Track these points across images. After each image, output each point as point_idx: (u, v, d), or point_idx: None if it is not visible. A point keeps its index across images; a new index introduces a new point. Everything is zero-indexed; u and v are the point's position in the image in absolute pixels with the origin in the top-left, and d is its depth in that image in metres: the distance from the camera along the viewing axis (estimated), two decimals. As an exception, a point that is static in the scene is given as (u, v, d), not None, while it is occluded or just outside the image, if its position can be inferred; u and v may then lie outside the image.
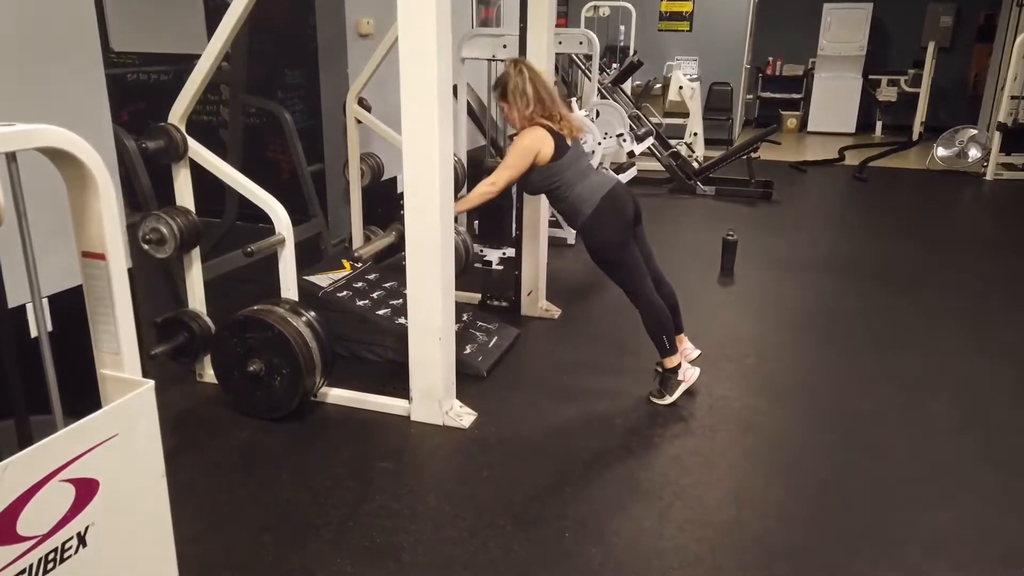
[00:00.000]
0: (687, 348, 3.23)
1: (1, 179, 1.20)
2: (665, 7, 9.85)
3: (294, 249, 2.91)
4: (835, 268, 4.97)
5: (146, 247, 2.88)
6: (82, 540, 1.25)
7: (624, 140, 4.82)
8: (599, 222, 2.93)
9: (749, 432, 2.91)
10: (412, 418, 2.93)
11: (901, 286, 4.65)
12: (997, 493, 2.54)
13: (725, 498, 2.49)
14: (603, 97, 6.40)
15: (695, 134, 7.95)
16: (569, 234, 5.20)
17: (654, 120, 7.38)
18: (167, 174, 2.97)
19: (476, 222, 4.90)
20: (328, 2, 4.35)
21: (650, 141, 5.45)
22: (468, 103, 4.76)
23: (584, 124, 4.58)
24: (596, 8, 8.02)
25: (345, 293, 3.48)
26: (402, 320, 3.21)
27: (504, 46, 4.48)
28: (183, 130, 2.89)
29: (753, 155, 7.01)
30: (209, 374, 3.12)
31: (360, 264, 3.76)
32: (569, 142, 3.00)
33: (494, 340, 3.53)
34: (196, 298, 3.09)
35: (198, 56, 2.82)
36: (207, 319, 3.09)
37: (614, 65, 7.60)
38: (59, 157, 1.22)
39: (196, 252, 3.03)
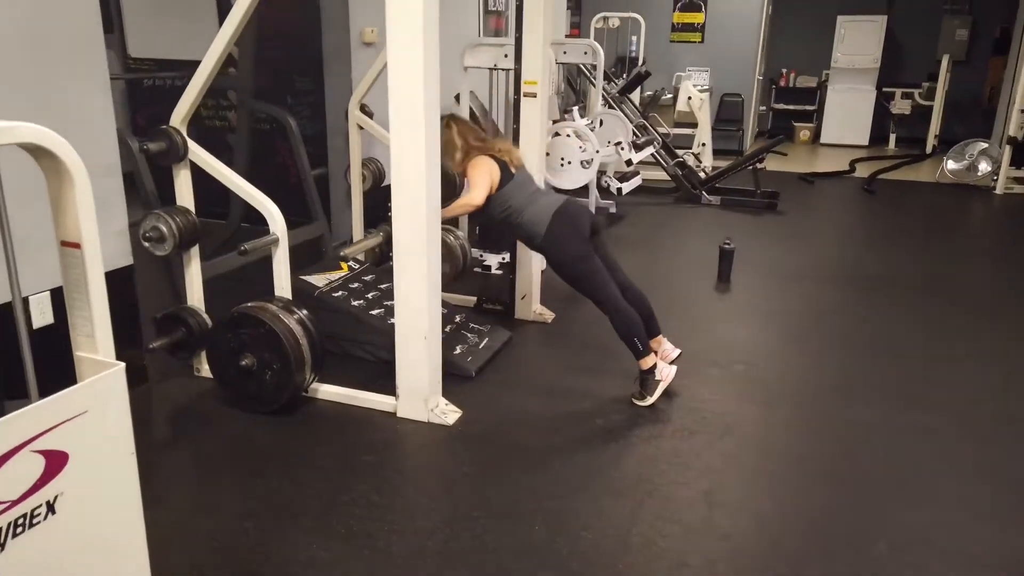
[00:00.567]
0: (666, 349, 3.30)
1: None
2: (677, 18, 9.92)
3: (291, 248, 3.02)
4: (834, 278, 4.99)
5: (146, 244, 3.00)
6: (51, 508, 1.34)
7: (622, 149, 4.90)
8: (554, 239, 3.12)
9: (727, 436, 2.96)
10: (398, 414, 3.01)
11: (900, 297, 4.67)
12: (971, 500, 2.57)
13: (696, 498, 2.55)
14: (610, 106, 6.49)
15: (703, 144, 7.99)
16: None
17: (661, 130, 7.45)
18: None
19: (477, 228, 4.99)
20: (334, 11, 4.48)
21: (650, 150, 5.52)
22: (471, 109, 4.85)
23: (584, 133, 4.67)
24: (606, 19, 8.11)
25: (340, 293, 3.58)
26: (394, 320, 3.29)
27: (505, 55, 4.58)
28: (184, 133, 3.00)
29: (759, 166, 7.05)
30: (206, 369, 3.22)
31: (359, 265, 3.86)
32: (513, 170, 3.20)
33: (485, 342, 3.61)
34: (195, 295, 3.20)
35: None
36: (205, 316, 3.20)
37: (623, 75, 7.69)
38: (38, 153, 1.32)
39: (195, 250, 3.14)
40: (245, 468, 2.69)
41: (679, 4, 9.89)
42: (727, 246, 4.82)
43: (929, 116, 10.21)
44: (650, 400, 3.11)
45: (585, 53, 5.57)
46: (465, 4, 5.82)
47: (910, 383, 3.46)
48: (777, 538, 2.37)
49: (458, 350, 3.46)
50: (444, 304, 3.79)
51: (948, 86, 10.07)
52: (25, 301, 2.62)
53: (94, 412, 1.39)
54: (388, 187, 2.86)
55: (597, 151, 4.44)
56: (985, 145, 8.03)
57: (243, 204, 4.57)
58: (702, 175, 7.35)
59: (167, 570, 2.09)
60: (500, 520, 2.39)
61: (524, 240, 3.32)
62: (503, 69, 4.71)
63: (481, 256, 4.90)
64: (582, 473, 2.69)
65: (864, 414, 3.14)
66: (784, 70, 11.33)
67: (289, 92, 5.16)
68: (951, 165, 8.16)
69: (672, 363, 3.26)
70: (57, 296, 2.60)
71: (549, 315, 4.10)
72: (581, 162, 4.49)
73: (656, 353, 3.23)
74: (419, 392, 2.96)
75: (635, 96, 7.88)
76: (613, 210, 6.54)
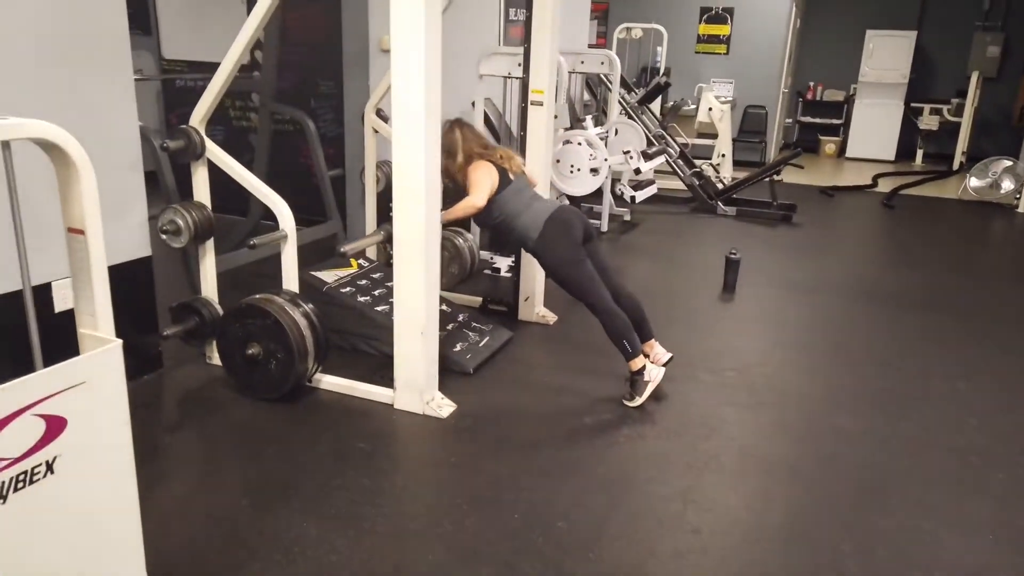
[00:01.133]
0: (658, 352, 3.39)
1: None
2: (703, 30, 9.99)
3: (307, 245, 3.18)
4: (840, 291, 5.03)
5: (163, 237, 3.17)
6: (50, 468, 1.49)
7: (631, 157, 5.00)
8: (546, 244, 3.24)
9: (711, 438, 3.04)
10: (395, 406, 3.15)
11: (906, 312, 4.69)
12: (943, 510, 2.63)
13: (672, 495, 2.64)
14: (629, 116, 6.59)
15: (723, 155, 8.05)
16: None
17: (680, 140, 7.52)
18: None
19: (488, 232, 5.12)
20: (355, 19, 4.65)
21: (660, 160, 5.61)
22: (485, 114, 4.99)
23: (593, 141, 4.78)
24: (628, 30, 8.21)
25: (348, 289, 3.73)
26: (396, 316, 3.43)
27: (519, 64, 4.70)
28: (202, 132, 3.18)
29: (776, 178, 7.08)
30: (216, 357, 3.39)
31: (369, 263, 4.01)
32: (511, 176, 3.30)
33: (485, 340, 3.73)
34: (209, 286, 3.37)
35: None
36: (217, 306, 3.37)
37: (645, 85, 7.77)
38: (48, 147, 1.47)
39: (210, 244, 3.31)
40: (247, 451, 2.84)
41: (705, 16, 9.96)
42: (733, 256, 4.88)
43: (957, 133, 10.14)
44: (639, 400, 3.21)
45: (602, 63, 5.68)
46: (486, 14, 5.97)
47: (901, 396, 3.50)
48: (745, 534, 2.45)
49: (458, 347, 3.58)
50: (448, 303, 3.94)
51: (978, 103, 10.00)
52: (49, 286, 2.81)
53: (92, 383, 1.54)
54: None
55: (605, 159, 4.55)
56: (1009, 163, 7.98)
57: (261, 202, 4.79)
58: (720, 186, 7.40)
59: (166, 539, 2.26)
60: (481, 507, 2.51)
61: (519, 243, 3.46)
62: (517, 78, 4.83)
63: (491, 259, 5.03)
64: (565, 467, 2.79)
65: (849, 423, 3.20)
66: (811, 83, 11.32)
67: (312, 95, 5.35)
68: (974, 182, 8.12)
69: (663, 366, 3.34)
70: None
71: (551, 317, 4.21)
72: (590, 170, 4.59)
73: (647, 356, 3.32)
74: (415, 385, 3.09)
75: (656, 106, 7.95)
76: (627, 218, 6.64)
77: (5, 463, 1.41)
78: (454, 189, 3.46)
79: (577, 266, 3.22)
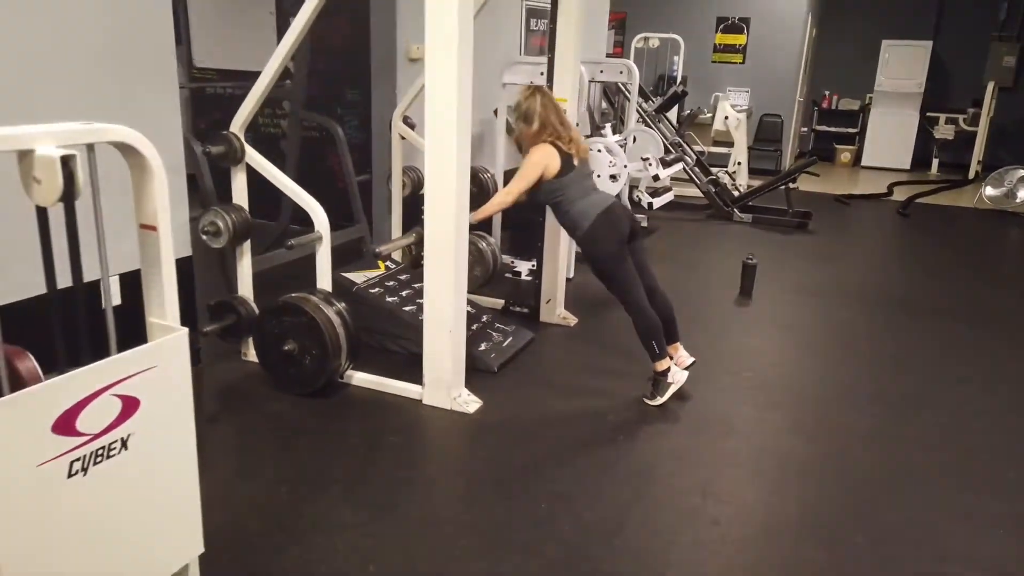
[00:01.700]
0: (682, 355, 3.49)
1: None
2: (720, 40, 10.10)
3: (334, 247, 3.31)
4: (854, 297, 5.12)
5: (204, 237, 3.32)
6: (124, 444, 1.62)
7: (650, 164, 5.12)
8: (595, 236, 3.27)
9: (730, 436, 3.15)
10: (424, 402, 3.27)
11: (919, 318, 4.77)
12: (954, 505, 2.72)
13: (693, 488, 2.74)
14: (646, 124, 6.71)
15: (739, 163, 8.15)
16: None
17: (697, 148, 7.63)
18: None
19: (509, 236, 5.24)
20: (383, 28, 4.80)
21: (678, 167, 5.72)
22: (508, 123, 5.12)
23: (613, 148, 4.90)
24: (646, 39, 8.34)
25: (377, 290, 3.86)
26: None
27: (541, 73, 4.82)
28: (242, 138, 3.32)
29: (792, 186, 7.18)
30: (252, 353, 3.53)
31: (395, 265, 4.15)
32: (576, 162, 3.33)
33: (509, 340, 3.85)
34: (245, 285, 3.51)
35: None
36: (253, 305, 3.51)
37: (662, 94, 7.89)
38: (126, 150, 1.61)
39: (247, 244, 3.45)
40: (283, 442, 2.97)
41: (721, 25, 10.07)
42: (750, 261, 4.98)
43: (973, 142, 10.19)
44: (660, 400, 3.31)
45: (621, 72, 5.80)
46: (509, 23, 6.12)
47: (913, 398, 3.59)
48: (762, 526, 2.56)
49: (483, 347, 3.70)
50: (473, 305, 4.06)
51: (994, 113, 10.04)
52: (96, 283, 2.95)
53: (161, 367, 1.67)
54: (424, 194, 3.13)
55: (625, 166, 4.66)
56: (1023, 172, 8.03)
57: (291, 206, 4.93)
58: (736, 193, 7.50)
59: (212, 520, 2.38)
60: (510, 498, 2.63)
61: (567, 229, 3.45)
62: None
63: (512, 263, 5.15)
64: (589, 461, 2.90)
65: (862, 422, 3.30)
66: (827, 92, 11.41)
67: (339, 103, 5.50)
68: (989, 191, 8.17)
69: (685, 369, 3.44)
70: (125, 279, 2.92)
71: (572, 319, 4.32)
72: (610, 176, 4.70)
73: (671, 358, 3.42)
74: (443, 381, 3.22)
75: (672, 114, 8.07)
76: (644, 224, 6.74)
77: (87, 438, 1.54)
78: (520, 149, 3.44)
79: (619, 263, 3.28)
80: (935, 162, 10.81)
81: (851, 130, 11.33)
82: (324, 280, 3.34)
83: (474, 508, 2.57)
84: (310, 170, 5.19)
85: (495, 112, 5.20)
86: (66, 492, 1.52)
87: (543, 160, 3.30)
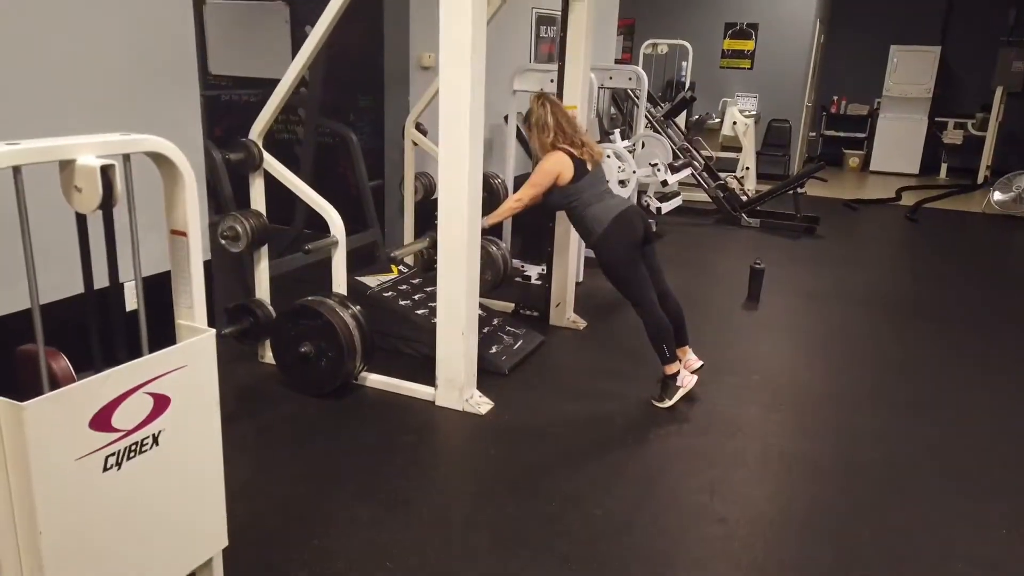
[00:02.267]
0: (690, 359, 3.54)
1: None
2: (728, 45, 10.16)
3: (347, 252, 3.39)
4: (861, 301, 5.17)
5: (223, 242, 3.40)
6: (155, 440, 1.70)
7: (658, 170, 5.18)
8: (609, 241, 3.32)
9: (737, 436, 3.20)
10: (437, 403, 3.34)
11: (926, 322, 4.82)
12: (956, 505, 2.77)
13: (700, 487, 2.81)
14: (655, 129, 6.77)
15: (747, 168, 8.20)
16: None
17: (704, 153, 7.69)
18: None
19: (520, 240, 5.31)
20: (396, 37, 4.89)
21: (686, 172, 5.80)
22: (518, 129, 5.20)
23: (622, 154, 4.97)
24: (654, 45, 8.40)
25: (390, 294, 3.94)
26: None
27: (551, 80, 4.90)
28: (260, 145, 3.41)
29: (800, 190, 7.23)
30: (268, 356, 3.61)
31: (408, 269, 4.22)
32: (589, 167, 3.40)
33: (519, 343, 3.92)
34: (262, 289, 3.59)
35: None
36: (270, 308, 3.59)
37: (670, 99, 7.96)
38: (159, 159, 1.68)
39: (264, 249, 3.53)
40: (300, 441, 3.05)
41: (730, 31, 10.13)
42: (757, 266, 5.04)
43: (982, 147, 10.20)
44: (668, 403, 3.37)
45: (630, 79, 5.87)
46: (519, 31, 6.20)
47: (919, 400, 3.64)
48: (769, 524, 2.61)
49: (494, 349, 3.77)
50: (484, 308, 4.13)
51: (1002, 118, 10.06)
52: (122, 286, 3.04)
53: (191, 367, 1.75)
54: (437, 199, 3.21)
55: (634, 172, 4.73)
56: (1032, 177, 8.06)
57: (305, 212, 5.02)
58: (744, 198, 7.56)
59: (234, 516, 2.46)
60: (520, 496, 2.70)
61: (581, 234, 3.52)
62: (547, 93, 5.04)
63: (522, 267, 5.22)
64: (598, 460, 2.97)
65: (868, 424, 3.35)
66: (835, 97, 11.45)
67: (352, 109, 5.59)
68: (997, 196, 8.20)
69: (694, 372, 3.50)
70: (146, 284, 3.00)
71: (581, 323, 4.39)
72: (619, 181, 4.78)
73: (680, 361, 3.48)
74: (455, 383, 3.29)
75: (681, 119, 8.13)
76: (654, 228, 6.80)
77: (121, 434, 1.61)
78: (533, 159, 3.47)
79: (631, 268, 3.34)
80: (944, 167, 10.82)
81: (859, 135, 11.36)
82: (340, 284, 3.42)
83: (486, 506, 2.63)
84: (322, 176, 5.28)
85: (505, 119, 5.28)
86: (102, 485, 1.59)
87: (555, 168, 3.37)
